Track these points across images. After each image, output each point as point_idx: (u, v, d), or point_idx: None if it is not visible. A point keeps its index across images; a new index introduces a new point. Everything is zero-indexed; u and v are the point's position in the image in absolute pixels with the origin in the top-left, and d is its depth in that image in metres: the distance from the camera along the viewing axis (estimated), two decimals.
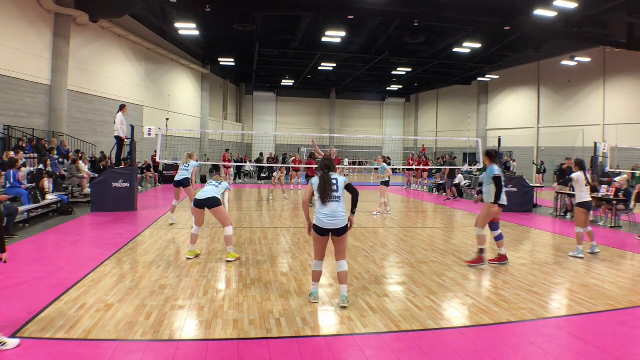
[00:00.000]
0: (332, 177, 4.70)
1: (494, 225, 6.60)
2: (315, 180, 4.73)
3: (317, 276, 4.76)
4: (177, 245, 7.49)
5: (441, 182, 18.80)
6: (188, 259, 6.47)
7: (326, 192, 4.59)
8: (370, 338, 3.82)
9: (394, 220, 10.91)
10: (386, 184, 11.70)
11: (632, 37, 19.36)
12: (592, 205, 7.30)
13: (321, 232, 4.59)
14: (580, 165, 7.23)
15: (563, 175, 12.20)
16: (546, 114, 28.30)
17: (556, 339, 3.87)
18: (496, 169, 6.39)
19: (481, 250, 6.45)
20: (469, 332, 4.00)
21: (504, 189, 6.64)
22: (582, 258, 6.92)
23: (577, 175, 7.13)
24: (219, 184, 6.72)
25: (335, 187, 4.65)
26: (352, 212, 4.71)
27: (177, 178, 9.15)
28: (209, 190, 6.51)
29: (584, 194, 7.14)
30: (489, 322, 4.23)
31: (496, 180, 6.35)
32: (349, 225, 4.64)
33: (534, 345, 3.71)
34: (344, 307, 4.47)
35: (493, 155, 6.66)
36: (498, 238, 6.56)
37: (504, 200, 6.47)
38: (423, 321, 4.22)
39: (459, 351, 3.58)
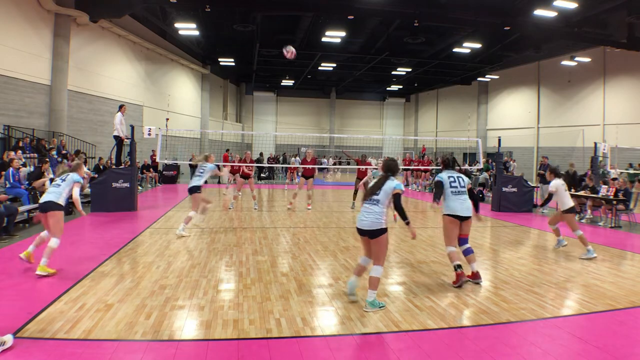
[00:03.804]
0: (389, 179, 4.71)
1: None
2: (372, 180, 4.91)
3: (356, 269, 4.91)
4: (177, 245, 7.48)
5: None
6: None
7: (369, 193, 4.69)
8: (370, 338, 3.82)
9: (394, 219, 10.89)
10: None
11: (632, 37, 19.33)
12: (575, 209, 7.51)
13: (358, 231, 4.73)
14: (555, 173, 7.23)
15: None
16: (546, 114, 28.28)
17: (556, 339, 3.87)
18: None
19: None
20: (469, 332, 4.00)
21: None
22: (595, 257, 6.92)
23: (556, 183, 7.06)
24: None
25: (378, 192, 4.62)
26: (406, 223, 4.62)
27: (191, 184, 8.35)
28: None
29: (567, 199, 7.12)
30: (489, 322, 4.23)
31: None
32: (382, 230, 4.53)
33: (534, 345, 3.71)
34: (365, 312, 4.42)
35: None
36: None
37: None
38: (423, 321, 4.22)
39: (459, 351, 3.58)
